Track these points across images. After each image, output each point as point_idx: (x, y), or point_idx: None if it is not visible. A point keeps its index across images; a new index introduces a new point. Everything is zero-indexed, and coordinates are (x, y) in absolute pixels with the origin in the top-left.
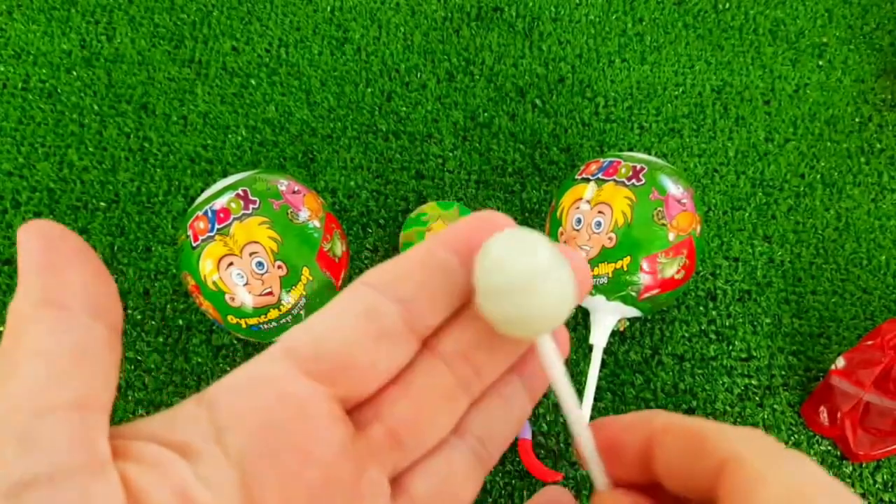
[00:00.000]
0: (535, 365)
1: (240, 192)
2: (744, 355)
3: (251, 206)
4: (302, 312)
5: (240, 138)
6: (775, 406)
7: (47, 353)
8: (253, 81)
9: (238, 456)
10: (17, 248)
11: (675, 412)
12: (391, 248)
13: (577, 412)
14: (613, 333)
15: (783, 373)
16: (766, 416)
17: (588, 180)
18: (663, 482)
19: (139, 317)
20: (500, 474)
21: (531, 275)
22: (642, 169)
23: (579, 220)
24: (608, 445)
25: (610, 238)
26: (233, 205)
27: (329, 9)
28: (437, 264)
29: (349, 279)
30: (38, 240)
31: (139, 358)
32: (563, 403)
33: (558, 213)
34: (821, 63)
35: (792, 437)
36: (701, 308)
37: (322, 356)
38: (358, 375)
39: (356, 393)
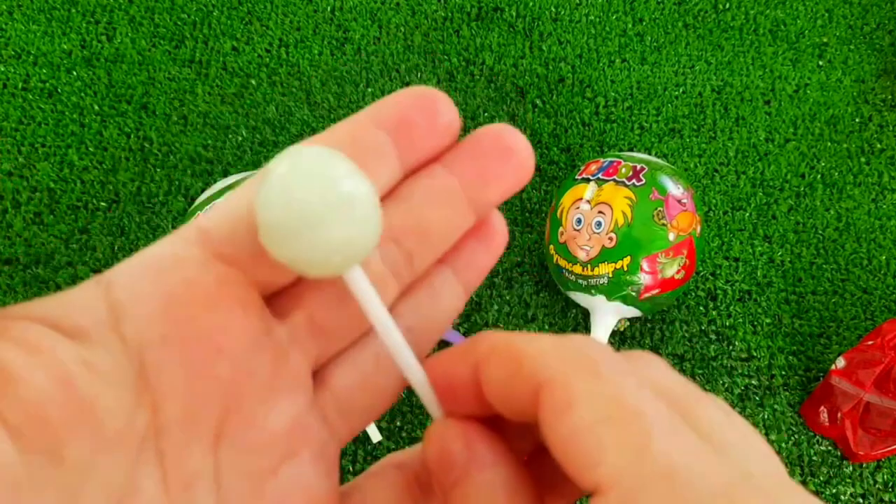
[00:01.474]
0: (468, 255)
1: None
2: (744, 355)
3: None
4: None
5: (240, 138)
6: (776, 406)
7: None
8: (253, 81)
9: (136, 344)
10: None
11: (501, 332)
12: None
13: (403, 348)
14: (614, 333)
15: (783, 373)
16: (766, 417)
17: (588, 180)
18: (497, 409)
19: None
20: None
21: (318, 206)
22: (642, 169)
23: (579, 220)
24: (442, 380)
25: (610, 238)
26: None
27: (329, 9)
28: (369, 142)
29: None
30: None
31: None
32: (385, 340)
33: (558, 213)
34: (821, 63)
35: (792, 437)
36: (701, 308)
37: (238, 238)
38: (276, 262)
39: (275, 278)
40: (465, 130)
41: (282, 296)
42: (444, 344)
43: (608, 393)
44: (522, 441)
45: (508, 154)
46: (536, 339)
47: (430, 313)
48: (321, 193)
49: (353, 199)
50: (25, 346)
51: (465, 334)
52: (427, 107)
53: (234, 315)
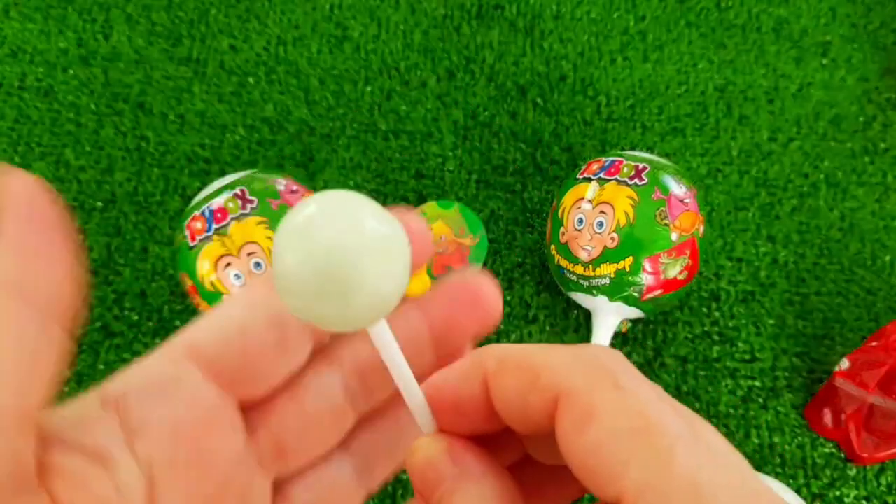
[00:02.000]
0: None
1: (237, 191)
2: (747, 357)
3: (249, 205)
4: None
5: (238, 137)
6: (779, 408)
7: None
8: (251, 80)
9: (147, 463)
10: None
11: (508, 345)
12: None
13: (413, 387)
14: (616, 335)
15: (787, 374)
16: (769, 419)
17: (590, 180)
18: (507, 423)
19: (136, 318)
20: None
21: (342, 252)
22: (645, 168)
23: (581, 220)
24: (448, 397)
25: (612, 238)
26: (230, 204)
27: (328, 6)
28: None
29: None
30: (25, 208)
31: (136, 360)
32: (399, 384)
33: (560, 213)
34: (825, 62)
35: (796, 440)
36: (704, 309)
37: (225, 359)
38: (255, 381)
39: (251, 396)
40: (466, 129)
41: (251, 412)
42: None
43: (630, 405)
44: (506, 453)
45: (477, 306)
46: (552, 350)
47: (389, 444)
48: (354, 238)
49: (389, 245)
50: (70, 480)
51: None
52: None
53: (225, 436)
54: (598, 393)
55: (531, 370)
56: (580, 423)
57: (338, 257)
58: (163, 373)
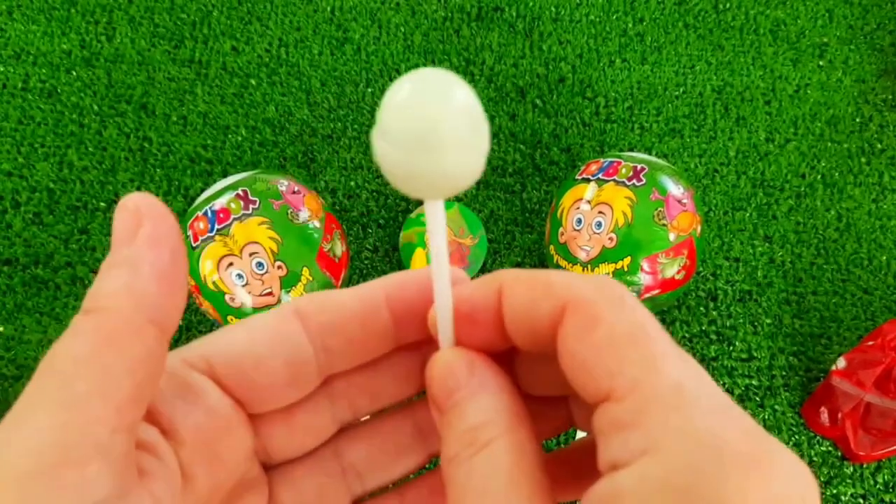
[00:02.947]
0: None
1: (240, 192)
2: (744, 356)
3: (251, 206)
4: None
5: (240, 138)
6: (776, 406)
7: (136, 371)
8: (253, 81)
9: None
10: (128, 231)
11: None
12: (391, 248)
13: (446, 278)
14: None
15: (784, 373)
16: (766, 417)
17: (588, 180)
18: (511, 335)
19: None
20: None
21: (439, 123)
22: (643, 169)
23: (580, 221)
24: (464, 304)
25: (610, 238)
26: (233, 205)
27: (329, 9)
28: (373, 322)
29: (349, 279)
30: (163, 243)
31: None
32: (434, 267)
33: (559, 214)
34: (821, 63)
35: (793, 438)
36: (701, 308)
37: (237, 384)
38: (262, 404)
39: (255, 411)
40: None
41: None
42: None
43: (631, 318)
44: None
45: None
46: (562, 272)
47: (385, 464)
48: (443, 110)
49: (480, 126)
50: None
51: None
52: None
53: (239, 441)
54: (605, 303)
55: (544, 280)
56: (585, 327)
57: (435, 128)
58: (184, 382)
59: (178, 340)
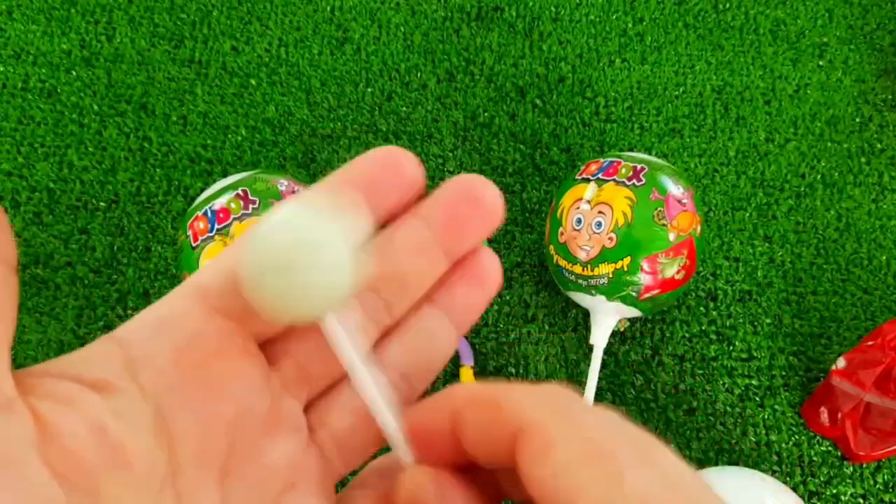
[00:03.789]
0: (462, 298)
1: (240, 192)
2: (744, 356)
3: (251, 206)
4: None
5: (240, 138)
6: (776, 406)
7: None
8: (253, 81)
9: (153, 392)
10: None
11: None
12: None
13: (376, 396)
14: (614, 334)
15: (784, 373)
16: (766, 417)
17: (588, 180)
18: (473, 456)
19: None
20: None
21: (289, 251)
22: (643, 169)
23: (579, 221)
24: (419, 428)
25: (610, 238)
26: (233, 205)
27: (329, 8)
28: (344, 201)
29: None
30: None
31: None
32: (359, 388)
33: (558, 214)
34: (821, 63)
35: (793, 438)
36: (701, 308)
37: (232, 292)
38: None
39: (266, 329)
40: (466, 130)
41: (272, 344)
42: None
43: (584, 435)
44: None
45: (477, 203)
46: (513, 388)
47: (425, 357)
48: (293, 240)
49: (322, 245)
50: (60, 400)
51: (466, 337)
52: (391, 164)
53: (235, 362)
54: (554, 424)
55: (495, 404)
56: (539, 454)
57: (280, 256)
58: (166, 310)
59: None
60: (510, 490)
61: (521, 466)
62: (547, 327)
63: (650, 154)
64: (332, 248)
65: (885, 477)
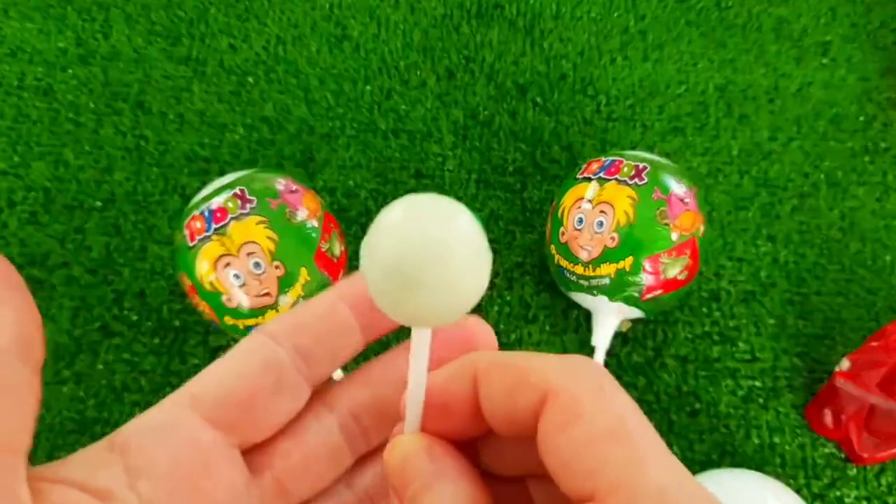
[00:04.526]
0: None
1: (237, 191)
2: (748, 357)
3: (248, 205)
4: None
5: (237, 137)
6: (779, 408)
7: None
8: (250, 79)
9: (149, 500)
10: None
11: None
12: None
13: (420, 396)
14: (616, 335)
15: (787, 374)
16: (770, 419)
17: (590, 179)
18: (489, 422)
19: (135, 318)
20: None
21: (426, 267)
22: (645, 168)
23: (581, 220)
24: (438, 394)
25: (612, 238)
26: (230, 204)
27: (327, 6)
28: (336, 319)
29: None
30: None
31: (135, 359)
32: (410, 392)
33: (560, 213)
34: (825, 61)
35: (796, 440)
36: (704, 309)
37: (225, 406)
38: (256, 425)
39: (253, 439)
40: (466, 128)
41: (254, 454)
42: None
43: (613, 410)
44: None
45: (471, 345)
46: (541, 355)
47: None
48: (424, 254)
49: (479, 263)
50: None
51: None
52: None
53: (223, 473)
54: (585, 395)
55: (521, 369)
56: (565, 422)
57: (431, 251)
58: (163, 419)
59: (173, 342)
60: (504, 467)
61: (543, 433)
62: (548, 328)
63: (652, 153)
64: (463, 265)
65: (889, 479)
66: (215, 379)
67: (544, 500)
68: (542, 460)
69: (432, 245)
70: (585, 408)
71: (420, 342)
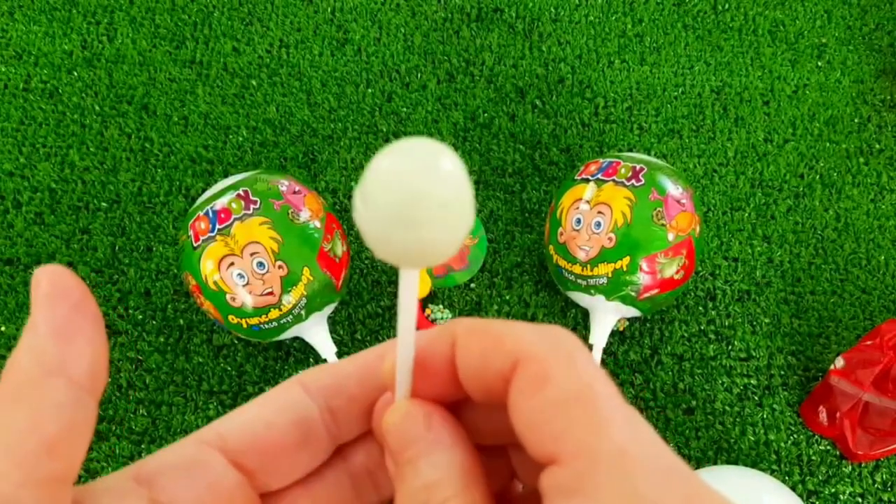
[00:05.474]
0: None
1: (241, 192)
2: (743, 355)
3: (252, 206)
4: (302, 312)
5: (241, 139)
6: (774, 406)
7: (42, 424)
8: (254, 82)
9: None
10: (33, 299)
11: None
12: None
13: (411, 339)
14: (613, 333)
15: (782, 373)
16: (765, 416)
17: (588, 181)
18: (464, 385)
19: (140, 317)
20: None
21: (421, 201)
22: (642, 169)
23: (579, 221)
24: (419, 363)
25: (609, 238)
26: (234, 205)
27: (330, 10)
28: (372, 384)
29: (349, 279)
30: (59, 300)
31: (140, 358)
32: (401, 327)
33: (558, 214)
34: (820, 64)
35: (791, 437)
36: (700, 308)
37: (251, 452)
38: (276, 474)
39: (269, 487)
40: (466, 130)
41: (269, 500)
42: None
43: (580, 377)
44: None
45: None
46: (517, 323)
47: None
48: (416, 193)
49: (464, 203)
50: None
51: None
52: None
53: None
54: (555, 361)
55: (497, 335)
56: (534, 385)
57: (420, 203)
58: (191, 456)
59: (178, 341)
60: (482, 435)
61: (512, 397)
62: None
63: (649, 154)
64: (454, 205)
65: (884, 476)
66: (245, 423)
67: (524, 469)
68: (512, 425)
69: (422, 185)
70: (554, 374)
71: (407, 285)
